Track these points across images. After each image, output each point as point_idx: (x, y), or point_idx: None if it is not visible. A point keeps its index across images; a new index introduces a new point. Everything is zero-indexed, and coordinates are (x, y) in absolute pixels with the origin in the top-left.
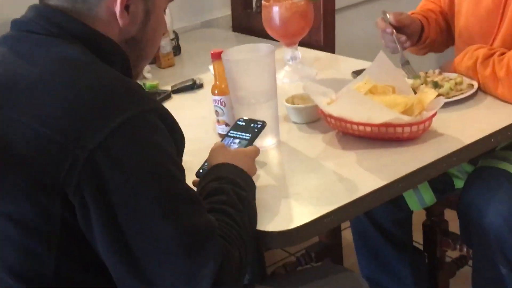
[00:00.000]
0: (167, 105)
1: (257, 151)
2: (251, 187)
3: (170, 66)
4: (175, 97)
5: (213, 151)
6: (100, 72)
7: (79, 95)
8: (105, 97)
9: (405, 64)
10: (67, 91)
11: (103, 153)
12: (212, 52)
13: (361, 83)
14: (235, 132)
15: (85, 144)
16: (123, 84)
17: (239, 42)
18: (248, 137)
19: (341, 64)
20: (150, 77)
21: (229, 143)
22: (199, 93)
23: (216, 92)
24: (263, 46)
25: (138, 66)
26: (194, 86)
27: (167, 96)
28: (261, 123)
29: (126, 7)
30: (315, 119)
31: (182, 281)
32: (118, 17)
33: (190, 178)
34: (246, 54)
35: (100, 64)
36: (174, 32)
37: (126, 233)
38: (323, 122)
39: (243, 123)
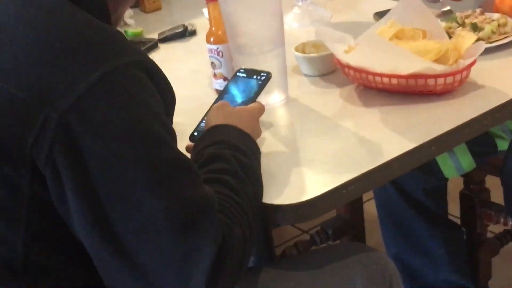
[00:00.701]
0: (154, 56)
1: (261, 109)
2: (256, 152)
3: (156, 9)
4: (163, 47)
5: (211, 111)
6: (72, 17)
7: (48, 46)
8: (79, 47)
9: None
10: (33, 41)
11: (77, 114)
12: None
13: (385, 27)
14: (235, 87)
15: (56, 103)
16: (100, 32)
17: None
18: (250, 92)
19: (361, 4)
20: (133, 24)
21: (227, 99)
22: (192, 41)
23: (212, 40)
24: None
25: (118, 10)
26: (185, 33)
27: (153, 46)
28: (265, 74)
29: None
30: (330, 70)
31: (174, 264)
32: None
33: (182, 143)
34: None
35: (72, 8)
36: None
37: (106, 207)
38: (340, 74)
39: (244, 75)
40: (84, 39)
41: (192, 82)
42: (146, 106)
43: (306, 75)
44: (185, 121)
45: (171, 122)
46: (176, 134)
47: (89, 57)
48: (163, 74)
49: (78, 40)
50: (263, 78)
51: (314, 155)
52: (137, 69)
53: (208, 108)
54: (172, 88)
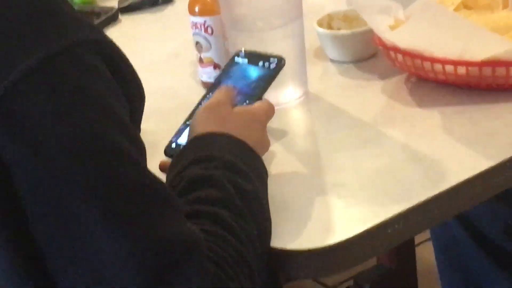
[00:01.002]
0: (112, 33)
1: (270, 111)
2: (261, 174)
3: None
4: (125, 20)
5: (198, 113)
6: None
7: None
8: (6, 24)
9: None
10: None
11: (2, 114)
12: None
13: None
14: (231, 78)
15: None
16: (35, 1)
17: None
18: (254, 87)
19: None
20: None
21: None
22: (166, 12)
23: (196, 10)
24: None
25: None
26: (157, 0)
27: (111, 18)
28: (275, 60)
29: None
30: (369, 54)
31: None
32: None
33: (154, 160)
34: None
35: None
36: None
37: (42, 253)
38: (383, 59)
39: (245, 61)
40: (13, 13)
41: (167, 71)
42: (101, 105)
43: (333, 61)
44: (159, 128)
45: (138, 128)
46: (146, 146)
47: (18, 39)
48: (127, 59)
49: (5, 15)
50: (272, 65)
51: (346, 177)
52: (88, 53)
53: (192, 108)
54: (139, 80)
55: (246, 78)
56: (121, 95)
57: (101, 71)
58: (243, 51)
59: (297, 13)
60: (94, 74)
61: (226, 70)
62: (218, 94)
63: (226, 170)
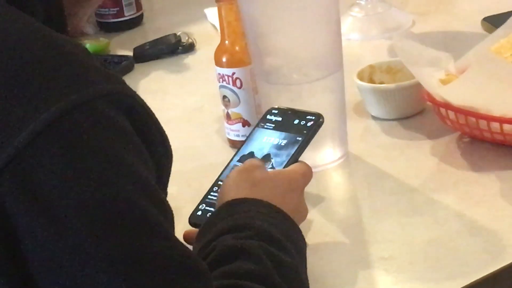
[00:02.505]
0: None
1: (307, 174)
2: (300, 244)
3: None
4: (141, 70)
5: (228, 176)
6: (7, 27)
7: None
8: (16, 75)
9: None
10: None
11: (12, 178)
12: None
13: (505, 41)
14: (264, 137)
15: None
16: (50, 48)
17: None
18: (290, 147)
19: (460, 3)
20: (92, 32)
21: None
22: (188, 61)
23: (224, 60)
24: None
25: (79, 13)
26: (177, 47)
27: (126, 67)
28: (313, 118)
29: None
30: (416, 110)
31: None
32: None
33: (178, 229)
34: None
35: (8, 10)
36: None
37: None
38: (432, 116)
39: (280, 119)
40: (23, 62)
41: (190, 128)
42: (123, 166)
43: (376, 118)
44: (182, 192)
45: (165, 192)
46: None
47: (28, 92)
48: (152, 114)
49: (14, 65)
50: (309, 123)
51: (393, 249)
52: (109, 107)
53: (219, 170)
54: (166, 136)
55: (281, 138)
56: (146, 154)
57: (123, 127)
58: (276, 108)
59: (337, 65)
60: (116, 131)
61: (258, 128)
62: (246, 162)
63: (262, 241)
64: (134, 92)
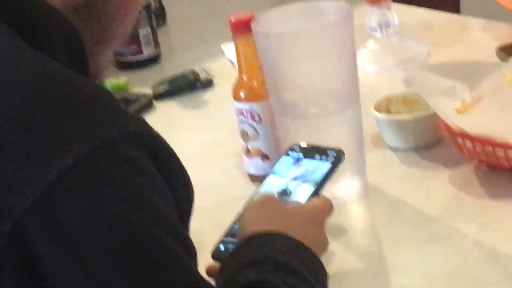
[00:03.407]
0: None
1: (328, 208)
2: (321, 276)
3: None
4: (161, 107)
5: (249, 210)
6: (30, 69)
7: None
8: (41, 117)
9: None
10: None
11: (38, 218)
12: (232, 20)
13: None
14: (285, 173)
15: (8, 208)
16: (72, 90)
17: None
18: (310, 182)
19: (473, 33)
20: (111, 71)
21: (274, 193)
22: (207, 97)
23: (242, 95)
24: (330, 5)
25: (100, 54)
26: (195, 84)
27: (146, 105)
28: (334, 153)
29: None
30: (433, 140)
31: None
32: None
33: (201, 264)
34: (297, 21)
35: (30, 53)
36: None
37: None
38: (449, 146)
39: (301, 155)
40: (46, 104)
41: (209, 163)
42: (145, 203)
43: (393, 149)
44: (203, 227)
45: (187, 228)
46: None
47: (52, 134)
48: (174, 153)
49: (37, 107)
50: (330, 159)
51: (413, 278)
52: (131, 147)
53: (240, 205)
54: (187, 176)
55: (302, 173)
56: (168, 192)
57: (145, 166)
58: (298, 145)
59: (354, 97)
60: (138, 170)
61: (280, 164)
62: (266, 196)
63: (283, 274)
64: (156, 133)
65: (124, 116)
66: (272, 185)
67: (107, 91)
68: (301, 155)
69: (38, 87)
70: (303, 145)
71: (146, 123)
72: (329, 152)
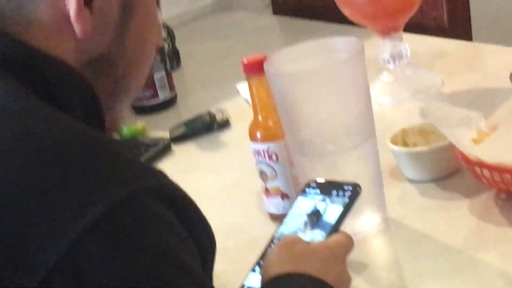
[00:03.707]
0: (166, 165)
1: (349, 244)
2: None
3: (163, 92)
4: (179, 150)
5: (272, 252)
6: (46, 128)
7: (11, 183)
8: (60, 176)
9: None
10: None
11: (64, 276)
12: (245, 61)
13: None
14: (304, 211)
15: (31, 268)
16: (90, 146)
17: (289, 37)
18: (329, 218)
19: (487, 60)
20: (128, 118)
21: (295, 231)
22: (223, 138)
23: (258, 136)
24: (341, 42)
25: (115, 107)
26: (212, 125)
27: (164, 149)
28: (351, 188)
29: (87, 0)
30: (450, 171)
31: None
32: (73, 20)
33: None
34: (309, 60)
35: (46, 111)
36: (163, 27)
37: None
38: (468, 175)
39: (318, 191)
40: (65, 162)
41: (229, 204)
42: (169, 256)
43: (412, 181)
44: (226, 270)
45: (210, 278)
46: None
47: (73, 192)
48: (193, 203)
49: (56, 166)
50: (348, 193)
51: None
52: (152, 200)
53: (262, 245)
54: (208, 224)
55: (320, 210)
56: (191, 243)
57: (167, 219)
58: (314, 182)
59: (370, 132)
60: (161, 224)
61: (297, 202)
62: (287, 237)
63: None
64: (175, 184)
65: (142, 170)
66: (291, 224)
67: (124, 147)
68: (318, 191)
69: (56, 146)
70: (319, 181)
71: (165, 175)
72: (345, 187)
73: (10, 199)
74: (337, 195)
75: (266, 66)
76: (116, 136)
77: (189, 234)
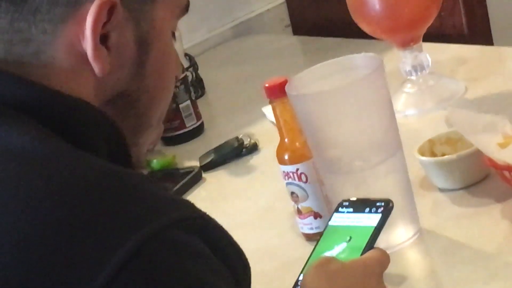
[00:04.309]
0: (198, 194)
1: (384, 260)
2: None
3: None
4: (209, 178)
5: (308, 273)
6: (72, 170)
7: (42, 227)
8: (90, 215)
9: None
10: (16, 219)
11: None
12: (266, 85)
13: None
14: (338, 230)
15: None
16: (118, 184)
17: (310, 56)
18: (364, 236)
19: (510, 63)
20: (158, 149)
21: (329, 252)
22: (252, 162)
23: (286, 158)
24: (361, 59)
25: (139, 141)
26: (241, 151)
27: (195, 178)
28: (383, 204)
29: (103, 39)
30: (480, 177)
31: None
32: (91, 59)
33: None
34: (330, 79)
35: (71, 152)
36: (185, 56)
37: None
38: (497, 180)
39: (351, 209)
40: (94, 202)
41: (263, 228)
42: (205, 286)
43: (442, 190)
44: None
45: None
46: None
47: (105, 229)
48: (224, 230)
49: (84, 206)
50: (380, 210)
51: None
52: (183, 232)
53: (298, 266)
54: (241, 251)
55: (354, 228)
56: (225, 271)
57: (199, 250)
58: (347, 200)
59: (397, 146)
60: (193, 255)
61: (331, 222)
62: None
63: None
64: (204, 213)
65: (171, 203)
66: (326, 244)
67: (151, 181)
68: (351, 210)
69: (83, 187)
70: (352, 200)
71: (194, 206)
72: (378, 203)
73: (44, 244)
74: (370, 211)
75: (287, 88)
76: (144, 170)
77: (222, 262)
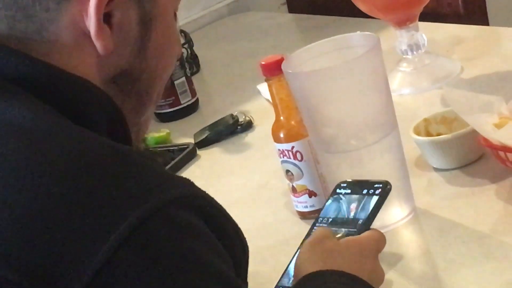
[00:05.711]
0: (192, 171)
1: (380, 240)
2: None
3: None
4: (204, 155)
5: (303, 250)
6: (72, 146)
7: (43, 201)
8: (90, 191)
9: None
10: (17, 193)
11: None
12: (262, 62)
13: None
14: (335, 210)
15: (69, 285)
16: (118, 161)
17: (306, 35)
18: (360, 217)
19: (506, 43)
20: (152, 124)
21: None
22: (247, 140)
23: (281, 136)
24: (357, 38)
25: (139, 120)
26: (235, 128)
27: (189, 154)
28: (380, 185)
29: (106, 17)
30: (475, 157)
31: None
32: (93, 38)
33: None
34: (326, 57)
35: (71, 128)
36: (181, 32)
37: None
38: (492, 160)
39: (348, 190)
40: (94, 178)
41: (258, 205)
42: (203, 265)
43: (437, 170)
44: (259, 271)
45: (245, 281)
46: None
47: (105, 205)
48: (222, 208)
49: (83, 181)
50: (378, 191)
51: None
52: (181, 210)
53: (294, 244)
54: (238, 229)
55: (352, 208)
56: (223, 249)
57: (198, 228)
58: (345, 181)
59: (392, 125)
60: (192, 233)
61: (329, 202)
62: (321, 228)
63: None
64: (203, 191)
65: (170, 180)
66: (324, 224)
67: (151, 158)
68: (349, 191)
69: (83, 163)
70: (350, 181)
71: (192, 184)
72: (375, 185)
73: (44, 219)
74: (368, 193)
75: (284, 66)
76: (142, 147)
77: (220, 240)
